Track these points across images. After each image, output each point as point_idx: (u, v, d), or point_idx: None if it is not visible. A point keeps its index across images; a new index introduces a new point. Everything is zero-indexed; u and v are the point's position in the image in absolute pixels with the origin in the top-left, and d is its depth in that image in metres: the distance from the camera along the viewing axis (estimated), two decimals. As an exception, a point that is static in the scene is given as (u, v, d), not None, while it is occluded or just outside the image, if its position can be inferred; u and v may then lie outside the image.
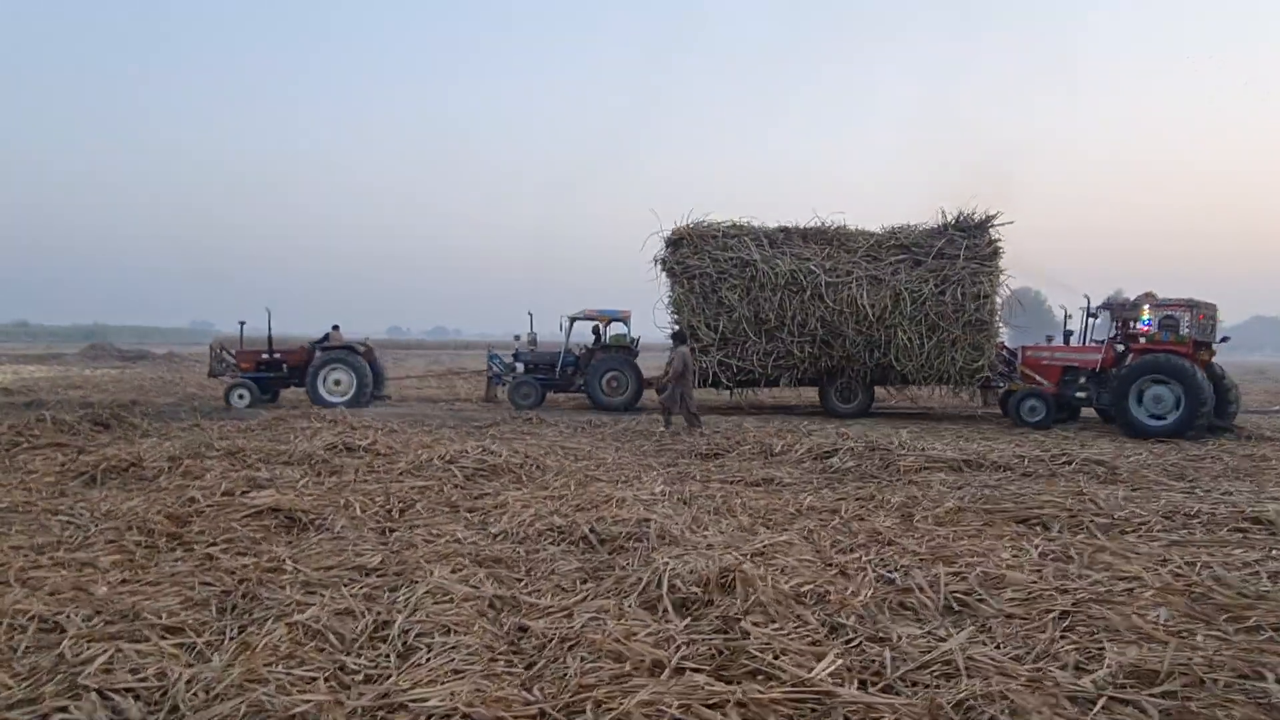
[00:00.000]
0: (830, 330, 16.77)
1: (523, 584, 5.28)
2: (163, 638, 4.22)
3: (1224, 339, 15.71)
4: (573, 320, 18.88)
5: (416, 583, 5.10)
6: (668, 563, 5.08)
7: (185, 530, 6.44)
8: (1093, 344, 16.91)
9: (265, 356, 18.65)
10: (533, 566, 5.63)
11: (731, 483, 9.20)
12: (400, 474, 8.87)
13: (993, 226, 17.33)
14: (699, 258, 17.35)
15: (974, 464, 9.88)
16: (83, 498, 7.73)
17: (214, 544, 6.06)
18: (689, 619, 4.37)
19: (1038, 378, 16.42)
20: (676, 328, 16.59)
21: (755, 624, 4.18)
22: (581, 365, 18.73)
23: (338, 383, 18.06)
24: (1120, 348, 16.10)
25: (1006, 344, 18.08)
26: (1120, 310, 16.28)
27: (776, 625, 4.22)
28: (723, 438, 12.01)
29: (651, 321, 18.17)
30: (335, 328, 19.47)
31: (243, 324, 19.37)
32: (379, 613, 4.58)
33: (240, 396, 17.64)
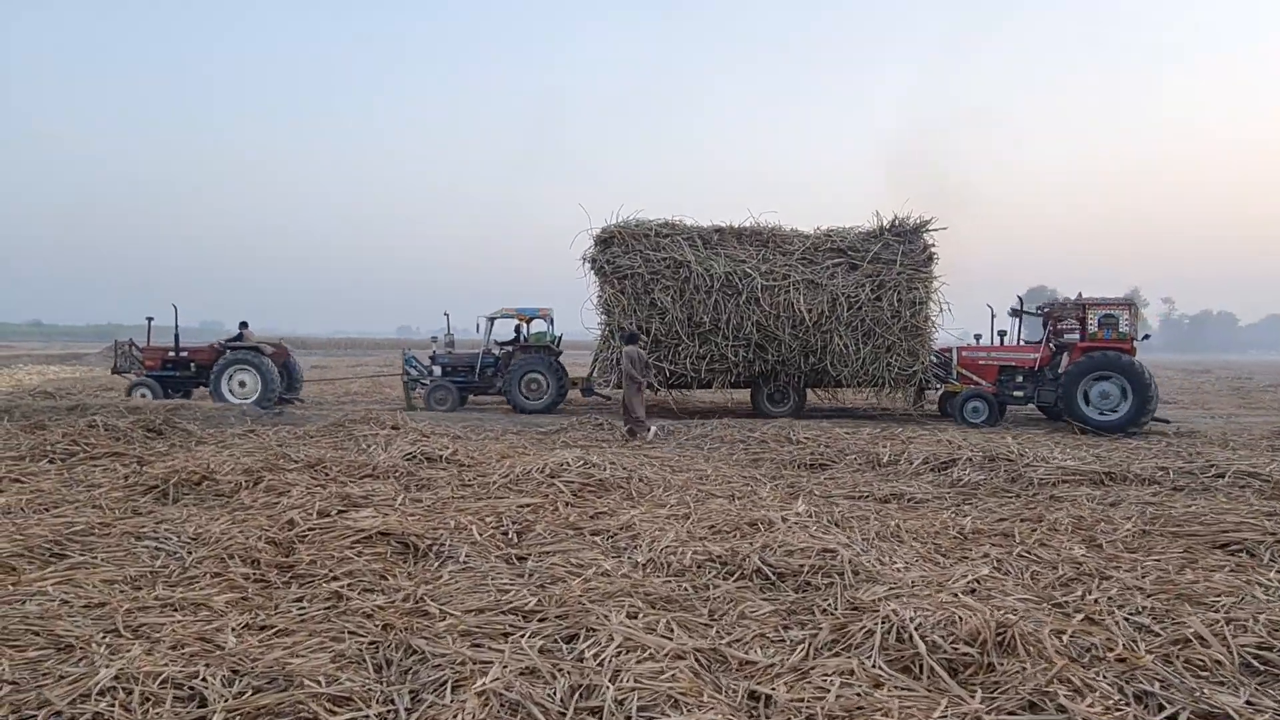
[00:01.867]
0: (765, 334, 16.31)
1: (715, 631, 4.48)
2: (331, 712, 3.45)
3: (1145, 337, 16.03)
4: (491, 320, 18.16)
5: (595, 631, 4.31)
6: (895, 610, 4.27)
7: (293, 560, 5.67)
8: (1026, 343, 17.11)
9: (171, 355, 18.22)
10: (715, 608, 4.84)
11: (858, 498, 8.40)
12: (498, 489, 8.09)
13: (927, 231, 17.02)
14: (630, 257, 16.63)
15: (1116, 477, 9.04)
16: (161, 517, 6.96)
17: (333, 577, 5.28)
18: (977, 689, 3.56)
19: (974, 378, 16.51)
20: (623, 329, 15.91)
21: (1068, 697, 3.37)
22: (502, 366, 18.03)
23: (242, 384, 17.59)
24: (1052, 347, 16.33)
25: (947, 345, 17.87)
26: (1056, 310, 16.27)
27: (1088, 702, 3.41)
28: (824, 447, 11.19)
29: (580, 322, 17.60)
30: (244, 325, 18.87)
31: (150, 319, 18.66)
32: (571, 674, 3.80)
33: (142, 395, 17.05)
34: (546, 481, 8.17)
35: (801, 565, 5.34)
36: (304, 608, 4.74)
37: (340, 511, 6.93)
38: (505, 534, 6.58)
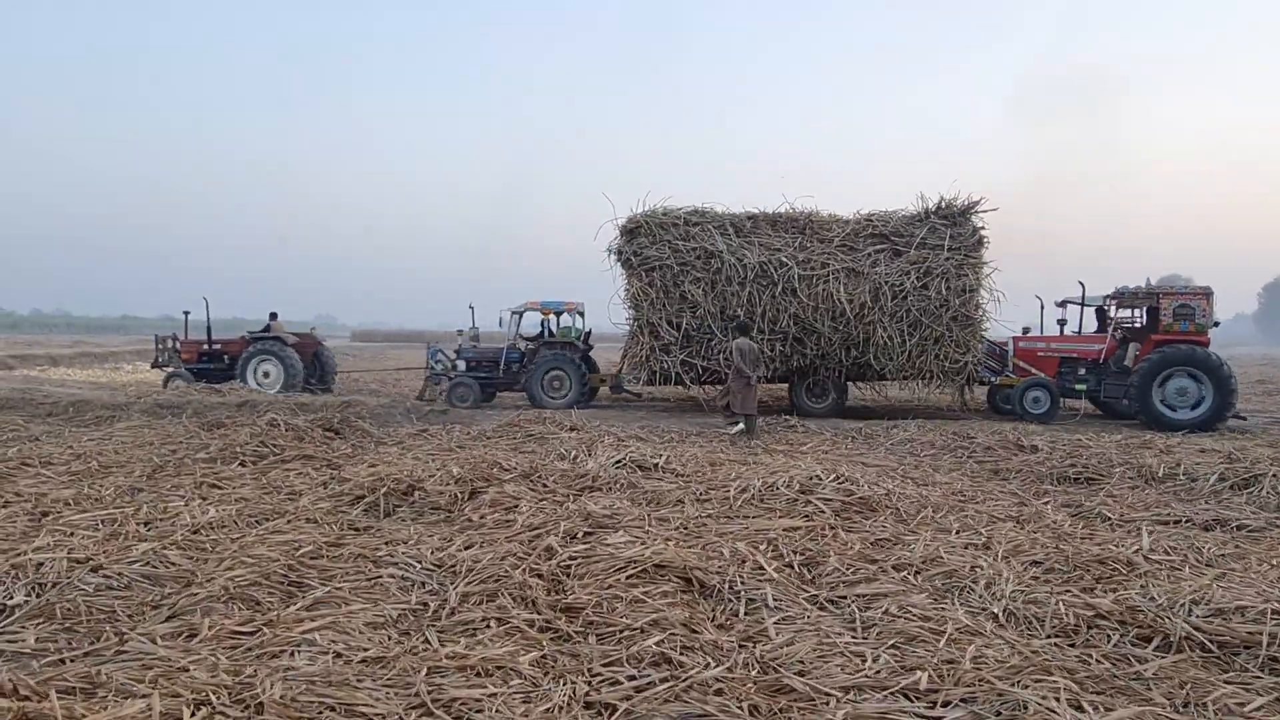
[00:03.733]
0: (804, 327, 15.13)
1: (1201, 734, 3.29)
2: None
3: (1215, 324, 15.02)
4: (514, 314, 17.33)
5: (1048, 732, 3.18)
6: None
7: (572, 599, 4.72)
8: (1087, 334, 16.26)
9: (206, 347, 18.76)
10: (1171, 693, 3.62)
11: (1169, 522, 7.01)
12: (743, 506, 7.04)
13: (976, 213, 15.72)
14: (658, 248, 15.50)
15: None
16: (387, 535, 6.20)
17: (637, 628, 4.30)
18: None
19: (1033, 370, 15.58)
20: (736, 319, 14.75)
21: None
22: (527, 361, 17.19)
23: (266, 375, 17.92)
24: (1117, 337, 15.67)
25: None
26: (1125, 299, 15.39)
27: None
28: (1073, 456, 9.75)
29: (608, 318, 16.56)
30: (273, 316, 19.13)
31: (187, 314, 19.23)
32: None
33: (177, 387, 17.56)
34: (800, 499, 7.07)
35: (1253, 633, 4.06)
36: (634, 677, 3.76)
37: (588, 533, 6.01)
38: (790, 566, 5.53)
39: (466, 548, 5.73)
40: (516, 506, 6.75)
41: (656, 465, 8.56)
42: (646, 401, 17.99)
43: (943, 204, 15.84)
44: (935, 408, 17.35)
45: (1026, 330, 16.66)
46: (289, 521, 6.55)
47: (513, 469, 7.94)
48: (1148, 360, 14.31)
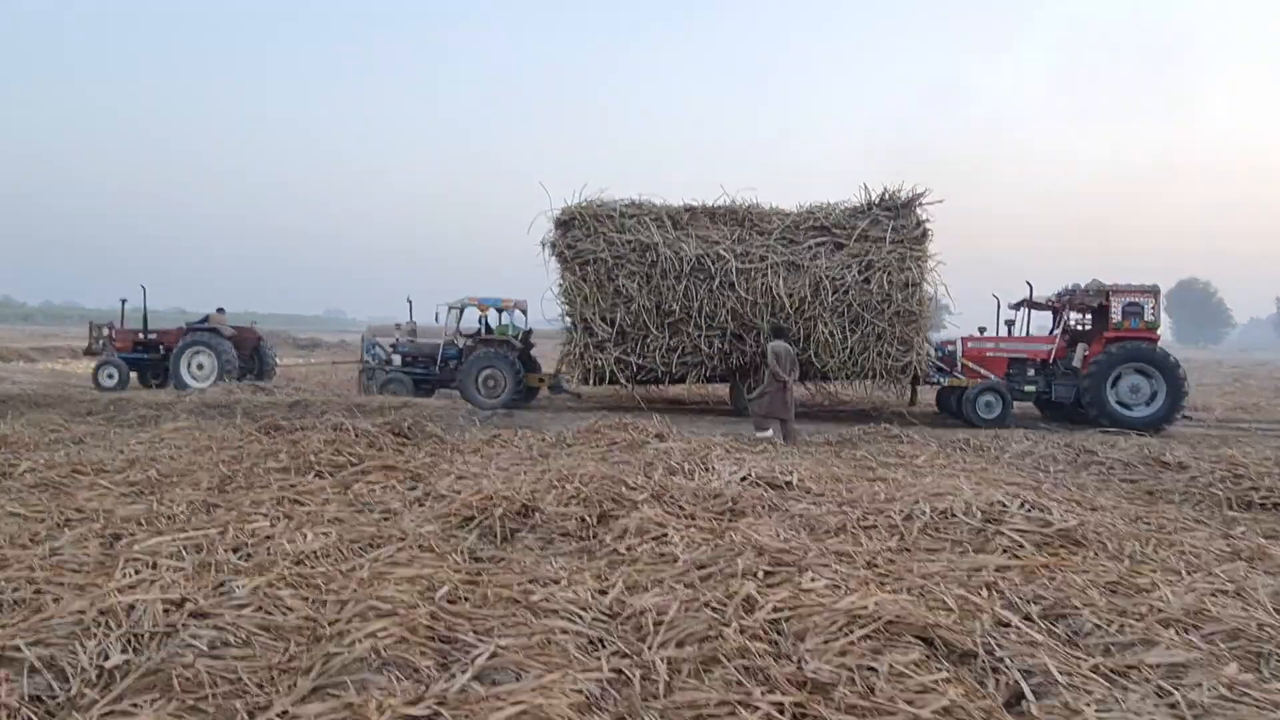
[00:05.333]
0: (742, 323, 14.63)
1: None
2: None
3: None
4: (451, 309, 16.93)
5: None
6: None
7: (810, 671, 3.76)
8: (1035, 335, 16.29)
9: (141, 337, 18.47)
10: None
11: None
12: (920, 536, 6.08)
13: (920, 205, 15.41)
14: (592, 240, 15.05)
15: None
16: (522, 569, 5.26)
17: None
18: None
19: (982, 371, 15.43)
20: (771, 321, 14.09)
21: None
22: (464, 358, 16.64)
23: (200, 366, 17.71)
24: (1067, 338, 15.67)
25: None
26: (1076, 298, 15.29)
27: None
28: (1234, 474, 8.75)
29: (541, 314, 16.17)
30: (220, 310, 19.12)
31: (124, 301, 18.98)
32: None
33: (109, 376, 17.35)
34: (987, 529, 6.10)
35: None
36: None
37: (769, 572, 5.05)
38: (1030, 619, 4.56)
39: (631, 589, 4.80)
40: (665, 536, 5.79)
41: (789, 483, 7.60)
42: (591, 402, 17.19)
43: (886, 195, 15.33)
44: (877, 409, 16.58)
45: (983, 330, 16.29)
46: (400, 549, 5.61)
47: (638, 487, 6.98)
48: (1100, 358, 14.28)
